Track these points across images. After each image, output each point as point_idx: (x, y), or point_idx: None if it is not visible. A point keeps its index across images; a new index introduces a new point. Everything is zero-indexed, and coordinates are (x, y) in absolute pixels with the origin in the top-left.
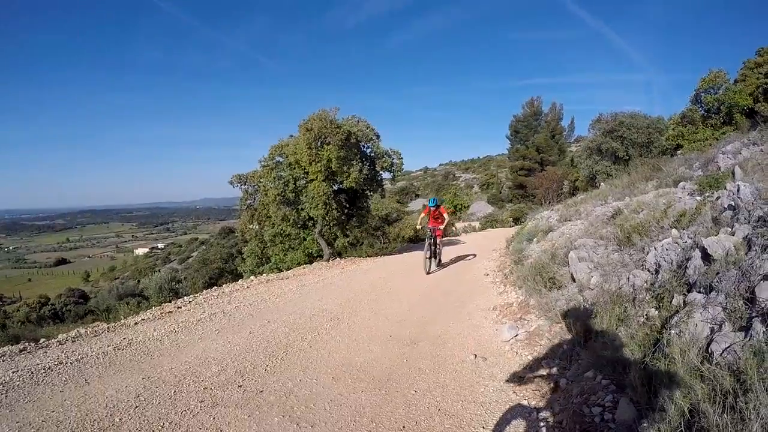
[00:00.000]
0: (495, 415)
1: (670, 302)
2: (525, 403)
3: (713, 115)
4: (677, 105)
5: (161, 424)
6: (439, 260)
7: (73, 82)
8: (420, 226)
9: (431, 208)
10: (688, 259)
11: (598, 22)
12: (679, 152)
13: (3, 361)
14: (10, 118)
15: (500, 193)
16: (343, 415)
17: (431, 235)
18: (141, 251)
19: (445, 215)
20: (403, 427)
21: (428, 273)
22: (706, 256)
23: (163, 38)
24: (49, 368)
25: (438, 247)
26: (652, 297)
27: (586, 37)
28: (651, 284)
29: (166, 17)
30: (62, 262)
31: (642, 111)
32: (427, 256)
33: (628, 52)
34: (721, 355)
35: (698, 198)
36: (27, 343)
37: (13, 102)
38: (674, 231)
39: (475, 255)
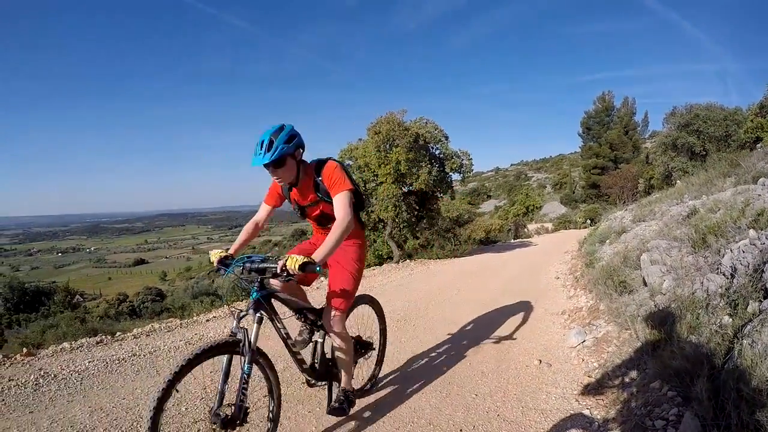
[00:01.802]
0: (554, 423)
1: (745, 309)
2: (586, 412)
3: None
4: (755, 94)
5: None
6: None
7: (149, 93)
8: (215, 258)
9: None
10: (765, 263)
11: (665, 8)
12: (758, 145)
13: (80, 351)
14: (93, 127)
15: (573, 193)
16: (401, 416)
17: (258, 305)
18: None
19: (340, 198)
20: (461, 430)
21: None
22: None
23: (232, 50)
24: (122, 359)
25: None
26: (726, 303)
27: (654, 25)
28: (726, 289)
29: (234, 30)
30: (141, 262)
31: (718, 102)
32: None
33: (699, 40)
34: None
35: None
36: (104, 336)
37: (97, 112)
38: (752, 232)
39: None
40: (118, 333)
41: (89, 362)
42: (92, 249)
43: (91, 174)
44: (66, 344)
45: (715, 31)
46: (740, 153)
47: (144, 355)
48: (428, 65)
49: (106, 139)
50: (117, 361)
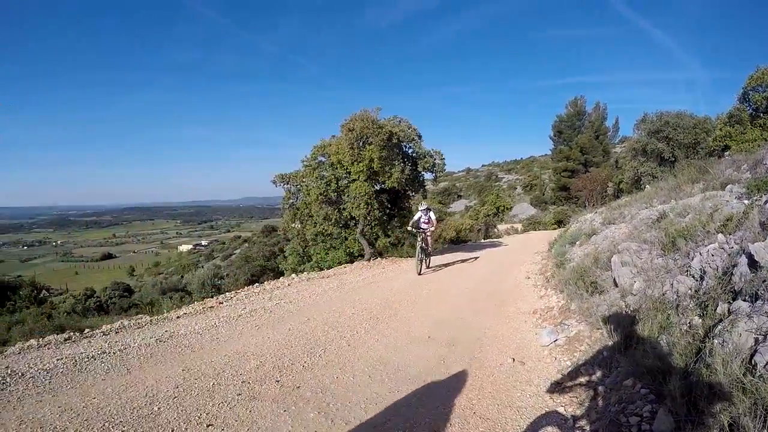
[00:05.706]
0: (530, 421)
1: (715, 310)
2: (561, 410)
3: (762, 115)
4: (723, 104)
5: (198, 414)
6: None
7: (116, 83)
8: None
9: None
10: (734, 266)
11: (638, 17)
12: (726, 153)
13: (48, 348)
14: (60, 118)
15: (543, 194)
16: (377, 417)
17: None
18: (185, 248)
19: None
20: (437, 428)
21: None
22: (753, 263)
23: (200, 41)
24: (92, 357)
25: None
26: (696, 304)
27: (627, 33)
28: (695, 291)
29: (203, 20)
30: (108, 256)
31: (688, 110)
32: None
33: (670, 49)
34: (764, 367)
35: (746, 202)
36: (72, 333)
37: (61, 102)
38: (720, 236)
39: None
40: (86, 330)
41: (58, 360)
42: (58, 242)
43: (58, 165)
44: (33, 341)
45: (685, 40)
46: (708, 160)
47: (114, 353)
48: (400, 64)
49: (73, 130)
50: (86, 359)
